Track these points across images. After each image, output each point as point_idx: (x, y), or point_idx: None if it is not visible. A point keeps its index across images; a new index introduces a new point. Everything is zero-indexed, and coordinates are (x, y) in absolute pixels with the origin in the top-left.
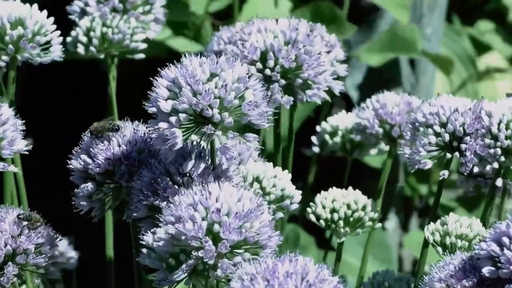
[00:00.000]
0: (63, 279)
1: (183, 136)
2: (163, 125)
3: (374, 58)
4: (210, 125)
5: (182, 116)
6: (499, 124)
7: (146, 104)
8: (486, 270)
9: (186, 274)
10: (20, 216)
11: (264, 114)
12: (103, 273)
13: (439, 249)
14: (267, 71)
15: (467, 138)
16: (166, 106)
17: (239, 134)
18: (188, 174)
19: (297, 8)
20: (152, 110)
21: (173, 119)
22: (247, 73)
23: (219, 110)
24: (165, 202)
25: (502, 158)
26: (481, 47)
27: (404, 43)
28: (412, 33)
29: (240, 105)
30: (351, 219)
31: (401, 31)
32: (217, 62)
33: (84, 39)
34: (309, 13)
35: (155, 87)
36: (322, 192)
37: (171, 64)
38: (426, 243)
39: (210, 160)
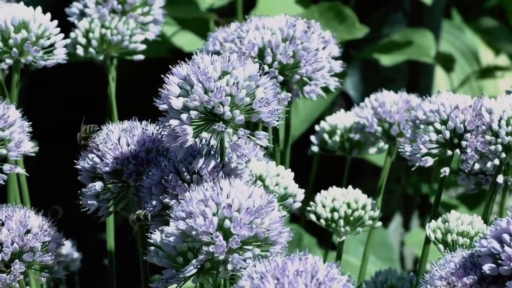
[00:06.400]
0: (65, 281)
1: (193, 133)
2: (174, 122)
3: (386, 58)
4: (221, 122)
5: (193, 113)
6: (499, 121)
7: (157, 101)
8: (486, 267)
9: (196, 269)
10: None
11: (275, 112)
12: (104, 275)
13: (441, 246)
14: (265, 68)
15: (468, 135)
16: (177, 103)
17: (249, 132)
18: (197, 172)
19: (306, 8)
20: (163, 107)
21: (184, 116)
22: (258, 71)
23: (230, 107)
24: (174, 200)
25: (503, 155)
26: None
27: (417, 48)
28: (425, 38)
29: (251, 103)
30: (351, 218)
31: (414, 35)
32: (228, 60)
33: (83, 40)
34: (317, 14)
35: (166, 84)
36: (322, 191)
37: (182, 62)
38: (427, 241)
39: (219, 158)
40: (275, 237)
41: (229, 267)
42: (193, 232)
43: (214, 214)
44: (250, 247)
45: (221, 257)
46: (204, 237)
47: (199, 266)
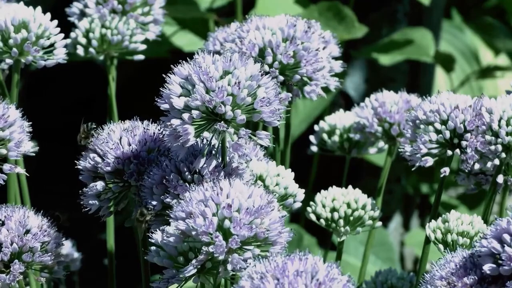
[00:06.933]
0: (65, 281)
1: (195, 133)
2: (175, 121)
3: (385, 58)
4: (222, 122)
5: (195, 113)
6: (499, 121)
7: (158, 100)
8: (487, 267)
9: (196, 269)
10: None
11: (276, 112)
12: (104, 275)
13: (441, 246)
14: (266, 68)
15: (468, 135)
16: (179, 103)
17: (250, 131)
18: (198, 172)
19: (306, 7)
20: (164, 106)
21: (185, 115)
22: (260, 71)
23: (232, 107)
24: (175, 200)
25: (503, 155)
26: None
27: (417, 47)
28: (424, 38)
29: (252, 102)
30: (351, 218)
31: (414, 35)
32: (230, 60)
33: (83, 40)
34: (316, 13)
35: (167, 83)
36: (322, 191)
37: (183, 61)
38: (427, 241)
39: (221, 158)
40: (275, 237)
41: (229, 267)
42: (193, 232)
43: (214, 214)
44: (250, 247)
45: (221, 257)
46: (203, 237)
47: (199, 266)
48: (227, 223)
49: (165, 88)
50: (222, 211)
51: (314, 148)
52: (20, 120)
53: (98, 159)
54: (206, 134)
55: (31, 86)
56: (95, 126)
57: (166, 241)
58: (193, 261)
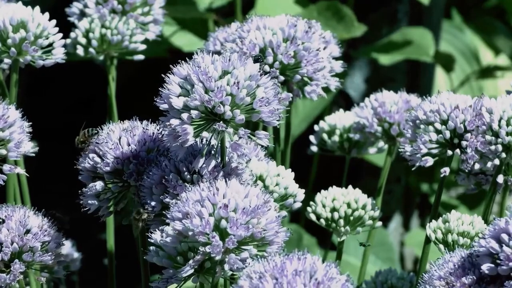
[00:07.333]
0: (65, 281)
1: (194, 132)
2: (174, 121)
3: (385, 58)
4: (221, 122)
5: (194, 113)
6: (499, 121)
7: (157, 100)
8: (485, 267)
9: (193, 270)
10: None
11: (275, 112)
12: (104, 275)
13: (441, 246)
14: (266, 68)
15: (468, 135)
16: (178, 102)
17: (250, 131)
18: (198, 172)
19: (305, 7)
20: (163, 106)
21: (184, 115)
22: (259, 71)
23: (231, 107)
24: (174, 200)
25: (503, 155)
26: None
27: (416, 47)
28: (424, 37)
29: (251, 102)
30: (351, 218)
31: (413, 34)
32: (229, 60)
33: (83, 40)
34: (316, 13)
35: (166, 83)
36: (322, 191)
37: (182, 61)
38: (427, 241)
39: (220, 158)
40: (272, 237)
41: (226, 267)
42: (190, 233)
43: (210, 215)
44: (247, 247)
45: (218, 257)
46: (200, 238)
47: (197, 266)
48: (223, 223)
49: (164, 88)
50: (218, 211)
51: (314, 148)
52: (20, 121)
53: (98, 159)
54: (205, 134)
55: (31, 85)
56: (96, 132)
57: (162, 241)
58: (190, 262)
